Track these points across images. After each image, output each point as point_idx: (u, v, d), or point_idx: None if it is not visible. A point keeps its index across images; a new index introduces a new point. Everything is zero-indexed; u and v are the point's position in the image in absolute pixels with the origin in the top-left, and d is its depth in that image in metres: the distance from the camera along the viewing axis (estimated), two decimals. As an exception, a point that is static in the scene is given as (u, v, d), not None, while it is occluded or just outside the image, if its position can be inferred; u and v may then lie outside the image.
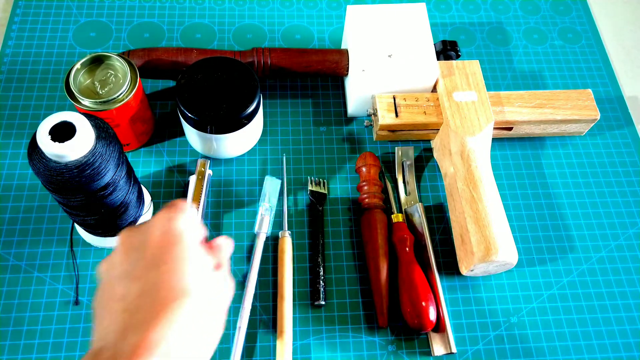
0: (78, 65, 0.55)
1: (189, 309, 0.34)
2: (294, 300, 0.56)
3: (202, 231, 0.40)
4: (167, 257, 0.36)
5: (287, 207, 0.60)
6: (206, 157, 0.62)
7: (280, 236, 0.58)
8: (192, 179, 0.59)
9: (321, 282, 0.56)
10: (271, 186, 0.60)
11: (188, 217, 0.38)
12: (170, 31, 0.72)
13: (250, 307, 0.54)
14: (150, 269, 0.35)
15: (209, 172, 0.60)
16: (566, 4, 0.80)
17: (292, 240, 0.58)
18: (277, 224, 0.60)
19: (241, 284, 0.56)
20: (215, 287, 0.38)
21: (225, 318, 0.39)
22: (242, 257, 0.58)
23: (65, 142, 0.42)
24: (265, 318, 0.55)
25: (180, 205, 0.39)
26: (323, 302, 0.55)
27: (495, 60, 0.74)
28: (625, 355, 0.56)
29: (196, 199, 0.58)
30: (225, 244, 0.41)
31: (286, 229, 0.58)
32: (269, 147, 0.65)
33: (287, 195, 0.61)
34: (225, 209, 0.60)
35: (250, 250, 0.58)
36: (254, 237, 0.59)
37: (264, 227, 0.58)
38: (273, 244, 0.59)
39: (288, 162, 0.64)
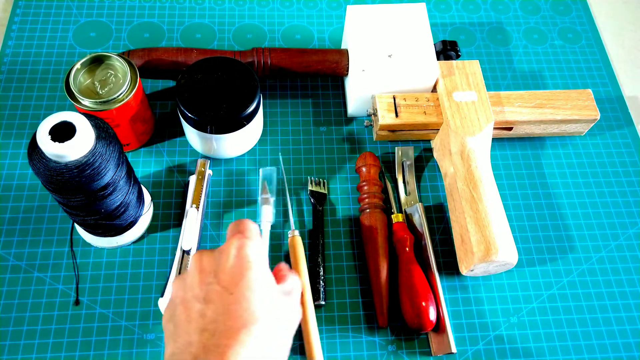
0: (78, 65, 0.55)
1: (258, 334, 0.37)
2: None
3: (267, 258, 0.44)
4: (240, 283, 0.38)
5: (290, 207, 0.60)
6: (206, 157, 0.62)
7: (289, 235, 0.58)
8: (192, 179, 0.59)
9: (321, 282, 0.56)
10: (265, 174, 0.61)
11: (258, 244, 0.41)
12: (170, 31, 0.72)
13: None
14: (224, 293, 0.38)
15: (209, 172, 0.60)
16: (566, 4, 0.80)
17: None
18: (282, 224, 0.60)
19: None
20: (283, 313, 0.40)
21: (291, 342, 0.41)
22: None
23: (65, 142, 0.42)
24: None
25: (251, 230, 0.41)
26: (323, 302, 0.55)
27: (495, 60, 0.74)
28: (626, 356, 0.56)
29: (196, 199, 0.58)
30: (295, 281, 0.44)
31: (293, 227, 0.58)
32: (269, 147, 0.65)
33: (288, 195, 0.61)
34: (225, 209, 0.60)
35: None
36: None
37: (266, 216, 0.58)
38: (277, 244, 0.59)
39: (288, 162, 0.64)
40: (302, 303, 0.53)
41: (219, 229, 0.59)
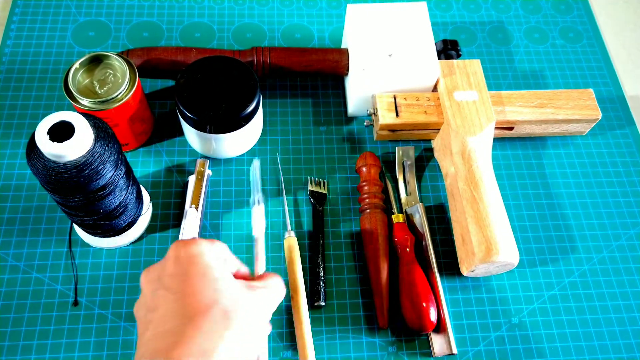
0: (77, 65, 0.55)
1: (206, 326, 0.35)
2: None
3: (234, 263, 0.42)
4: (182, 281, 0.37)
5: (287, 207, 0.60)
6: (205, 157, 0.62)
7: (285, 236, 0.57)
8: (192, 179, 0.59)
9: (321, 282, 0.56)
10: (252, 176, 0.60)
11: (203, 244, 0.39)
12: (169, 30, 0.72)
13: None
14: (168, 295, 0.37)
15: (208, 172, 0.60)
16: (567, 3, 0.80)
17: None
18: (280, 224, 0.59)
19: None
20: (239, 305, 0.37)
21: (260, 336, 0.39)
22: (242, 257, 0.57)
23: (64, 142, 0.42)
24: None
25: (196, 239, 0.40)
26: (323, 303, 0.55)
27: (496, 60, 0.73)
28: (627, 356, 0.56)
29: (195, 200, 0.57)
30: (271, 279, 0.43)
31: (289, 229, 0.58)
32: (269, 147, 0.64)
33: (287, 196, 0.61)
34: (225, 209, 0.60)
35: (251, 251, 0.58)
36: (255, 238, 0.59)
37: (257, 221, 0.57)
38: (273, 244, 0.58)
39: (288, 162, 0.63)
40: (296, 305, 0.53)
41: (218, 230, 0.59)
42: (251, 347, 0.37)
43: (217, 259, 0.39)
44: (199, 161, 0.60)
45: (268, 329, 0.42)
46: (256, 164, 0.60)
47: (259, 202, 0.57)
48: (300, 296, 0.53)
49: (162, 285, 0.38)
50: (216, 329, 0.35)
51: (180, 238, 0.55)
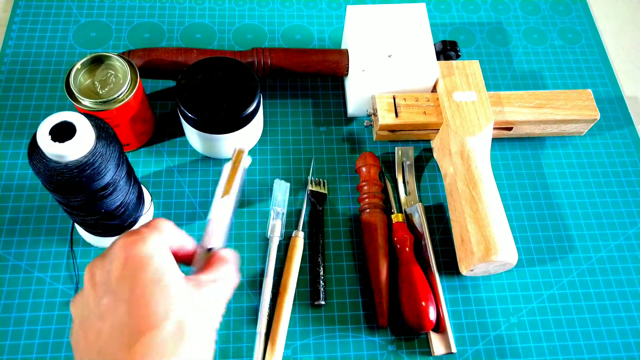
0: (78, 65, 0.55)
1: (160, 340, 0.32)
2: (294, 300, 0.56)
3: (179, 238, 0.38)
4: (131, 289, 0.33)
5: (287, 207, 0.60)
6: (207, 157, 0.62)
7: (293, 235, 0.58)
8: (226, 167, 0.50)
9: (321, 282, 0.56)
10: (280, 189, 0.60)
11: (154, 238, 0.35)
12: (170, 31, 0.72)
13: (267, 313, 0.54)
14: (117, 304, 0.33)
15: (247, 160, 0.51)
16: (566, 4, 0.80)
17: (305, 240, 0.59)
18: (288, 223, 0.60)
19: (250, 285, 0.56)
20: (194, 308, 0.34)
21: (213, 337, 0.36)
22: (242, 257, 0.58)
23: (66, 142, 0.42)
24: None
25: (150, 225, 0.36)
26: (323, 302, 0.55)
27: (495, 61, 0.74)
28: (625, 355, 0.56)
29: (227, 190, 0.49)
30: (226, 258, 0.39)
31: (300, 229, 0.58)
32: (269, 147, 0.65)
33: (288, 196, 0.61)
34: (225, 209, 0.60)
35: (252, 250, 0.58)
36: (254, 237, 0.59)
37: (276, 231, 0.58)
38: (261, 244, 0.59)
39: (288, 162, 0.64)
40: (280, 303, 0.54)
41: (219, 229, 0.59)
42: (205, 350, 0.35)
43: (167, 258, 0.35)
44: (237, 149, 0.51)
45: (219, 320, 0.38)
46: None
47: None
48: (287, 295, 0.54)
49: (110, 290, 0.34)
50: (169, 344, 0.32)
51: (205, 234, 0.46)
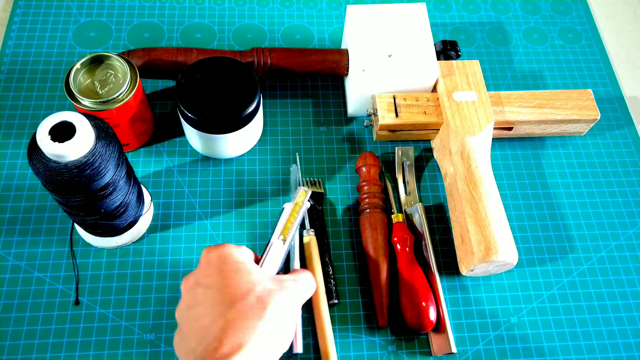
0: (78, 65, 0.55)
1: (250, 306, 0.40)
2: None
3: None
4: (218, 277, 0.42)
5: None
6: (207, 157, 0.62)
7: (305, 235, 0.57)
8: (287, 208, 0.52)
9: (332, 281, 0.56)
10: (294, 175, 0.62)
11: (230, 247, 0.44)
12: (170, 31, 0.72)
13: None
14: (207, 291, 0.42)
15: (307, 204, 0.53)
16: (566, 3, 0.80)
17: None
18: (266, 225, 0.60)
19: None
20: (267, 297, 0.42)
21: (293, 320, 0.44)
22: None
23: (65, 142, 0.42)
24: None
25: (224, 243, 0.45)
26: (337, 301, 0.55)
27: (496, 60, 0.74)
28: (626, 356, 0.56)
29: (285, 231, 0.51)
30: (301, 274, 0.48)
31: (308, 227, 0.58)
32: (269, 147, 0.64)
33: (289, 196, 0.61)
34: (224, 209, 0.60)
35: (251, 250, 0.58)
36: (254, 238, 0.59)
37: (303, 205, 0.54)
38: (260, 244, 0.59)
39: (288, 162, 0.64)
40: (316, 303, 0.54)
41: (218, 229, 0.59)
42: (283, 333, 0.42)
43: (244, 253, 0.44)
44: (301, 190, 0.53)
45: (297, 319, 0.47)
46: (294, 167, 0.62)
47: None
48: (320, 292, 0.54)
49: (200, 285, 0.42)
50: (254, 314, 0.40)
51: (260, 268, 0.49)
